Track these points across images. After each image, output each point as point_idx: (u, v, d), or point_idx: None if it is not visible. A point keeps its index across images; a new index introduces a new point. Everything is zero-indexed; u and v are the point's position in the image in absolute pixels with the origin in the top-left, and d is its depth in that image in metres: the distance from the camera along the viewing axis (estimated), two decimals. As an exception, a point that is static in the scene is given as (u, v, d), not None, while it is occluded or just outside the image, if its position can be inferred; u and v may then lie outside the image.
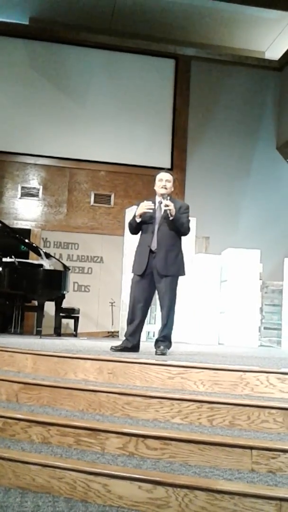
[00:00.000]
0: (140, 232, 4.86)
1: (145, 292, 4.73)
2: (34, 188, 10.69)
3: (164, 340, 4.70)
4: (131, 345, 4.69)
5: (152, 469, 2.75)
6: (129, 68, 11.17)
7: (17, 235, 8.39)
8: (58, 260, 8.59)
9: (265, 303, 8.43)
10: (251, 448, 2.79)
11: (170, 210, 4.58)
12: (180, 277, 4.82)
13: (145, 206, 4.67)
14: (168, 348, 4.68)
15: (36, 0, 10.46)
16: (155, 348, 4.64)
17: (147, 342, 6.42)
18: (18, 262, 7.68)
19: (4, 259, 7.64)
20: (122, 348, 4.63)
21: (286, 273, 7.88)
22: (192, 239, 8.42)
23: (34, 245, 8.70)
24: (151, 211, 4.67)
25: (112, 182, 10.93)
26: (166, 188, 4.76)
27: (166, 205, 4.60)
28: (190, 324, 7.99)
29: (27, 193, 10.65)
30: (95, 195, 10.85)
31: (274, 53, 11.60)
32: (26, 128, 10.63)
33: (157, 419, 3.26)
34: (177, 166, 11.16)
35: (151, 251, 4.69)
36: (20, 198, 10.63)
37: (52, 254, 8.72)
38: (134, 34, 11.06)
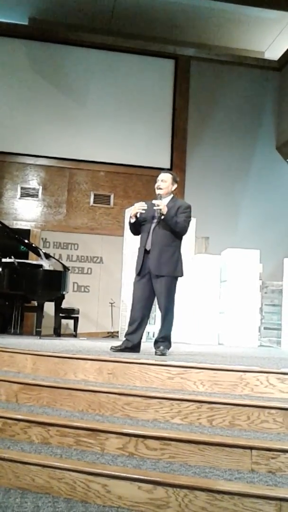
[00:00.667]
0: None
1: (144, 292, 4.73)
2: (34, 188, 10.69)
3: (163, 340, 4.70)
4: (131, 345, 4.69)
5: (152, 470, 2.75)
6: (128, 68, 11.17)
7: (17, 236, 8.38)
8: (58, 260, 8.58)
9: (265, 303, 8.42)
10: (251, 448, 2.79)
11: (160, 209, 4.60)
12: (179, 278, 4.81)
13: (138, 207, 4.70)
14: (168, 349, 4.67)
15: (35, 1, 10.46)
16: (155, 348, 4.64)
17: (146, 342, 6.41)
18: (18, 262, 7.68)
19: (3, 260, 7.63)
20: (122, 349, 4.63)
21: (286, 273, 7.87)
22: (192, 239, 8.42)
23: (33, 245, 8.69)
24: (143, 211, 4.69)
25: (111, 183, 10.93)
26: (160, 188, 4.78)
27: (157, 205, 4.63)
28: (190, 324, 7.99)
29: (27, 193, 10.65)
30: (95, 195, 10.85)
31: (273, 53, 11.59)
32: (26, 129, 10.62)
33: (157, 419, 3.26)
34: (177, 166, 11.16)
35: (146, 251, 4.72)
36: (19, 198, 10.62)
37: (52, 255, 8.71)
38: (133, 34, 11.06)
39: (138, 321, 4.74)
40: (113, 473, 2.67)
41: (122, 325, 7.97)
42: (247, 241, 9.35)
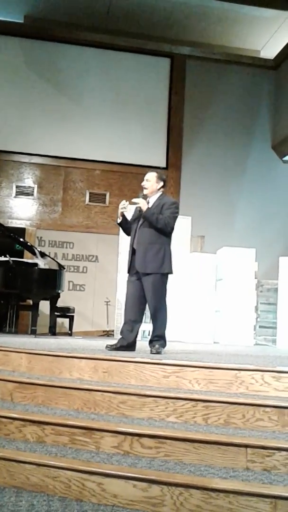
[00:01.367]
0: None
1: (136, 291, 4.75)
2: (29, 187, 10.66)
3: (158, 339, 4.69)
4: (127, 343, 4.69)
5: (147, 468, 2.74)
6: (124, 66, 11.15)
7: (12, 234, 8.36)
8: (53, 259, 8.57)
9: (261, 302, 8.45)
10: (246, 446, 2.79)
11: (139, 207, 4.68)
12: (169, 276, 4.81)
13: (120, 206, 4.77)
14: (163, 347, 4.67)
15: (31, -2, 10.45)
16: (150, 347, 4.63)
17: (142, 340, 6.41)
18: (13, 261, 7.66)
19: (-1, 258, 7.62)
20: (118, 347, 4.63)
21: (281, 271, 7.89)
22: (187, 238, 8.43)
23: (29, 244, 8.67)
24: (125, 209, 4.75)
25: (107, 181, 10.92)
26: (145, 188, 4.84)
27: (135, 203, 4.70)
28: (185, 323, 7.99)
29: (22, 192, 10.62)
30: (90, 194, 10.84)
31: (269, 52, 11.61)
32: (21, 127, 10.59)
33: (152, 418, 3.26)
34: (173, 165, 11.16)
35: (133, 250, 4.74)
36: (15, 197, 10.60)
37: (47, 253, 8.70)
38: (129, 32, 11.05)
39: (132, 320, 4.75)
40: (108, 471, 2.67)
41: (118, 323, 7.97)
42: (243, 240, 9.37)
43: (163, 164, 11.09)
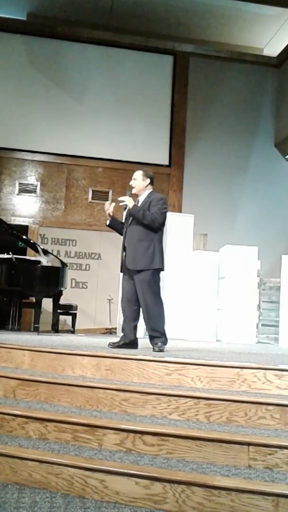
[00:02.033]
0: None
1: (130, 289, 4.78)
2: (32, 184, 10.67)
3: (160, 336, 4.67)
4: (129, 341, 4.70)
5: (149, 465, 2.75)
6: (127, 64, 11.13)
7: (15, 232, 8.36)
8: (56, 256, 8.57)
9: (263, 300, 8.44)
10: (248, 444, 2.80)
11: (125, 204, 4.74)
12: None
13: (106, 207, 4.91)
14: (165, 344, 4.67)
15: (34, -4, 10.43)
16: (152, 345, 4.64)
17: (144, 338, 6.42)
18: (16, 258, 7.67)
19: (1, 256, 7.62)
20: (120, 345, 4.64)
21: (283, 270, 7.88)
22: (190, 236, 8.43)
23: (31, 241, 8.68)
24: (108, 210, 4.86)
25: (110, 179, 10.91)
26: (133, 187, 4.89)
27: (121, 201, 4.76)
28: (188, 321, 8.00)
29: (25, 189, 10.63)
30: (93, 191, 10.84)
31: (272, 50, 11.57)
32: (24, 124, 10.59)
33: (155, 415, 3.26)
34: (175, 162, 11.15)
35: (124, 248, 4.79)
36: (17, 194, 10.60)
37: (50, 251, 8.70)
38: (132, 30, 11.02)
39: (128, 318, 4.79)
40: (110, 468, 2.68)
41: (120, 321, 7.95)
42: (245, 238, 9.35)
43: (166, 162, 11.08)
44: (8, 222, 9.02)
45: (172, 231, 8.29)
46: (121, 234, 4.97)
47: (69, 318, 9.02)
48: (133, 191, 4.88)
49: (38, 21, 10.81)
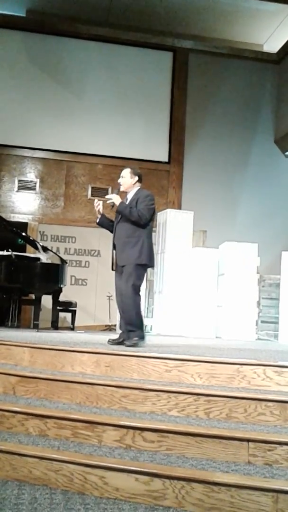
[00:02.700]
0: None
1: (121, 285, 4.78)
2: (31, 181, 10.65)
3: (135, 330, 4.62)
4: (127, 337, 4.70)
5: (149, 462, 2.75)
6: (126, 60, 11.10)
7: (14, 229, 8.36)
8: (55, 253, 8.57)
9: (262, 297, 8.44)
10: (248, 440, 2.80)
11: (112, 202, 4.75)
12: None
13: (95, 205, 4.98)
14: (142, 339, 4.60)
15: (33, -8, 10.40)
16: (125, 338, 4.61)
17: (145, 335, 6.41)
18: (15, 255, 7.66)
19: (0, 253, 7.62)
20: (120, 341, 4.64)
21: (283, 266, 7.88)
22: (190, 232, 8.42)
23: (31, 238, 8.68)
24: (98, 209, 4.94)
25: (109, 176, 10.89)
26: (121, 185, 4.96)
27: (109, 199, 4.79)
28: (187, 318, 8.00)
29: (24, 186, 10.61)
30: (92, 188, 10.82)
31: (272, 46, 11.54)
32: (23, 121, 10.57)
33: (154, 412, 3.27)
34: (175, 159, 11.13)
35: (114, 246, 4.83)
36: (17, 191, 10.59)
37: (49, 248, 8.69)
38: (132, 26, 10.99)
39: (121, 314, 4.84)
40: (110, 465, 2.68)
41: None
42: (245, 235, 9.35)
43: (165, 159, 11.07)
44: (8, 219, 9.00)
45: (172, 227, 8.28)
46: (111, 231, 4.97)
47: (68, 315, 9.02)
48: (121, 188, 4.92)
49: (37, 17, 10.78)
